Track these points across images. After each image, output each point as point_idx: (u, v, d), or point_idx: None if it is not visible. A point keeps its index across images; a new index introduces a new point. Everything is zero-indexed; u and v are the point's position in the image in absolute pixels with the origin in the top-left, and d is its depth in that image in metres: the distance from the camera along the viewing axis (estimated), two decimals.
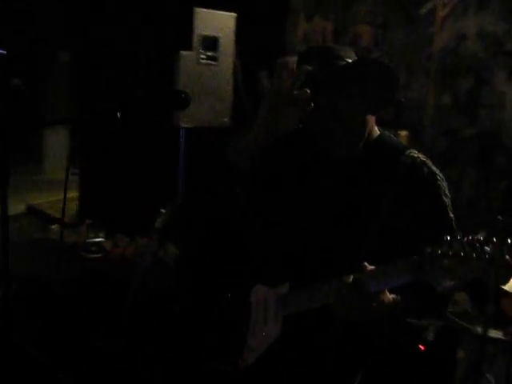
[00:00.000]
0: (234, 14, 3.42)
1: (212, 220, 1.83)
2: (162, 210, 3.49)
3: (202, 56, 3.28)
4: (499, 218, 1.18)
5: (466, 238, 1.16)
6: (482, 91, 4.04)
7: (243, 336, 1.63)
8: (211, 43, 3.32)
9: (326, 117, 1.51)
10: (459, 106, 4.03)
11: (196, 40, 3.26)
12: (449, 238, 1.17)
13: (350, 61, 1.52)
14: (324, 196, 1.60)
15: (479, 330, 2.43)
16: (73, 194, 4.83)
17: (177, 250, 3.64)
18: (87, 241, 4.50)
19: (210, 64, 3.35)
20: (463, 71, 4.04)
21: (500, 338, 2.42)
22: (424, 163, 1.53)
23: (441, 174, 1.53)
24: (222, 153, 1.58)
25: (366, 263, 1.35)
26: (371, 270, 1.34)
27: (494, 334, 2.40)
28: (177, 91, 1.74)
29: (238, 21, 3.45)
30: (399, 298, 1.39)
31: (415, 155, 1.54)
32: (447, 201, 1.50)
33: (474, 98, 4.05)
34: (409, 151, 1.54)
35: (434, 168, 1.53)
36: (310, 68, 1.45)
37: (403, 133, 3.38)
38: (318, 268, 1.53)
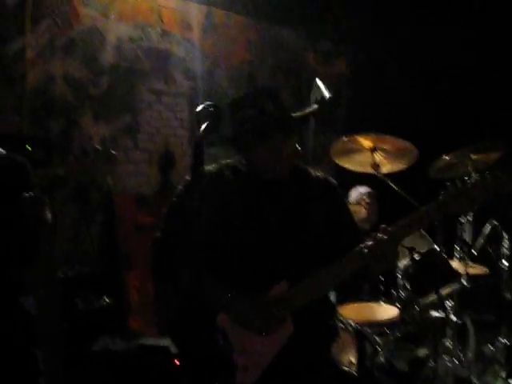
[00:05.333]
0: None
1: None
2: None
3: None
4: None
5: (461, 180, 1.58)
6: (74, 132, 4.17)
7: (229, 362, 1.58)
8: None
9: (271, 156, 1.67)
10: (54, 145, 4.03)
11: None
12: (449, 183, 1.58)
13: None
14: (264, 214, 1.73)
15: None
16: None
17: None
18: None
19: None
20: (55, 113, 4.07)
21: None
22: (328, 177, 1.85)
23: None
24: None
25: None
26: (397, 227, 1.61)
27: None
28: None
29: None
30: None
31: (318, 172, 1.85)
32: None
33: (67, 140, 4.13)
34: (312, 170, 1.84)
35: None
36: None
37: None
38: (274, 273, 1.67)
